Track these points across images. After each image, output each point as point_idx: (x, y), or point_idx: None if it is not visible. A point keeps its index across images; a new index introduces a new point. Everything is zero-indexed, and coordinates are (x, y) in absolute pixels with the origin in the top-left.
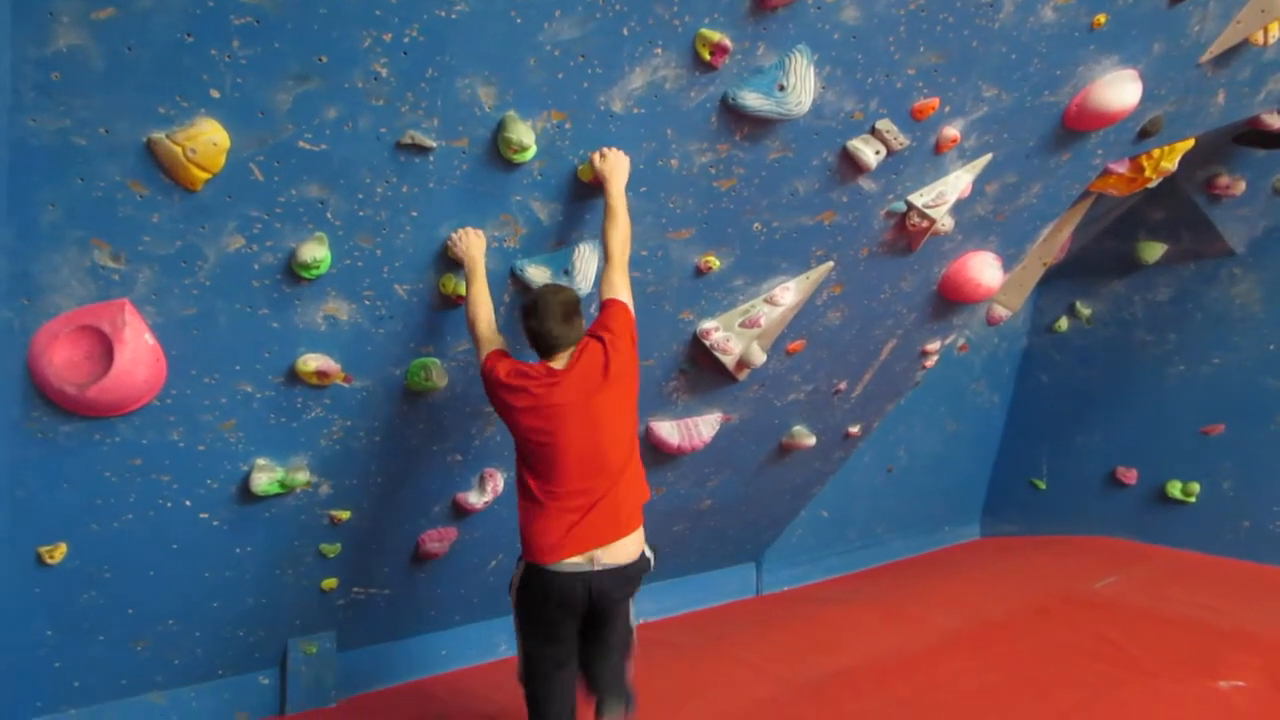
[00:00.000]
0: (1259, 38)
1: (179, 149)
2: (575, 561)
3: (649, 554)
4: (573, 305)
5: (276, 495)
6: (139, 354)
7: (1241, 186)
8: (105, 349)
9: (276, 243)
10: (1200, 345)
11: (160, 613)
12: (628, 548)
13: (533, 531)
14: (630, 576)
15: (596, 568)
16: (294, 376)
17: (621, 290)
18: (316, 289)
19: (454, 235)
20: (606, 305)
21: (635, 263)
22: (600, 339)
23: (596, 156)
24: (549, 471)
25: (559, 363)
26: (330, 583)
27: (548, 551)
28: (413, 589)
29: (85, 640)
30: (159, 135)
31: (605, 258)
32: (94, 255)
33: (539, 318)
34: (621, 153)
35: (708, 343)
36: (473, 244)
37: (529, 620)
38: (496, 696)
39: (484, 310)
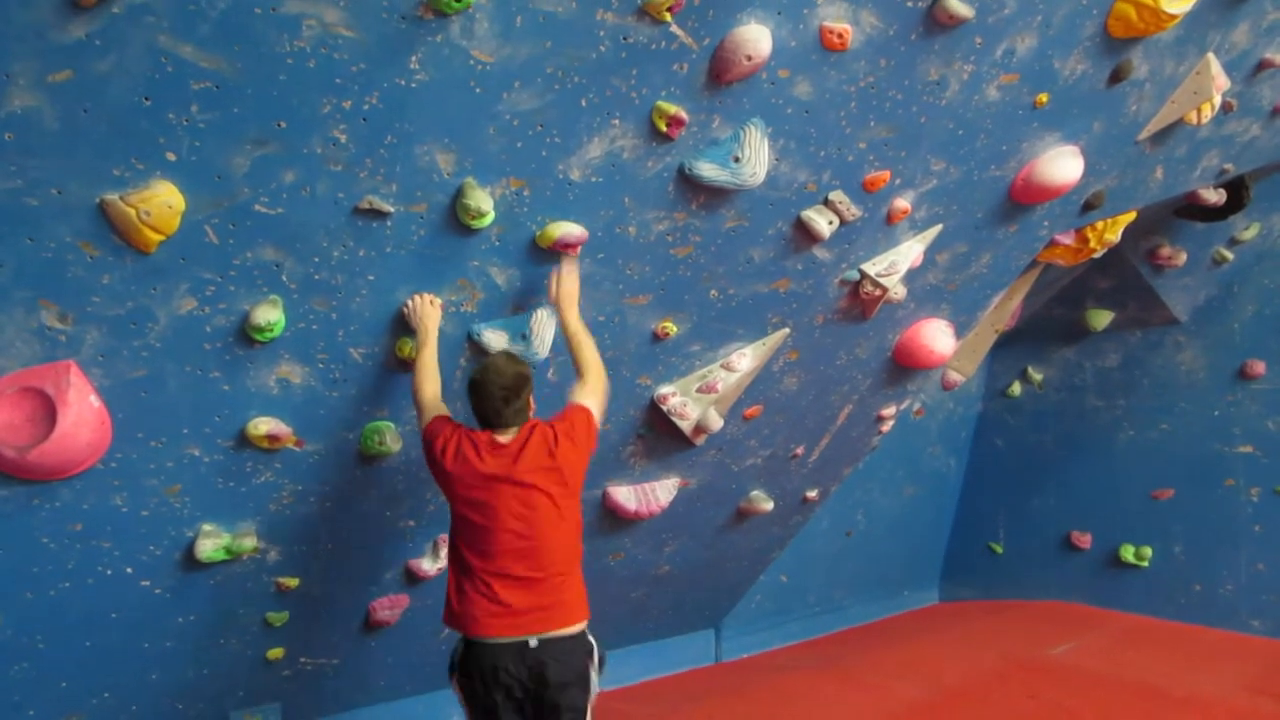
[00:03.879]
0: (1192, 117)
1: (132, 211)
2: (510, 638)
3: (594, 643)
4: (515, 386)
5: (222, 561)
6: (83, 417)
7: (1183, 257)
8: (48, 411)
9: (230, 305)
10: (1148, 410)
11: (95, 685)
12: (568, 629)
13: (466, 601)
14: (573, 650)
15: (533, 643)
16: (244, 440)
17: (589, 398)
18: (269, 352)
19: (410, 302)
20: (572, 408)
21: (593, 328)
22: (554, 428)
23: (553, 283)
24: (484, 548)
25: (504, 437)
26: (276, 652)
27: (479, 624)
28: (362, 658)
29: (14, 714)
30: (112, 197)
31: (578, 375)
32: (41, 316)
33: (478, 396)
34: (573, 278)
35: (665, 408)
36: (427, 313)
37: (468, 700)
38: None
39: (430, 379)
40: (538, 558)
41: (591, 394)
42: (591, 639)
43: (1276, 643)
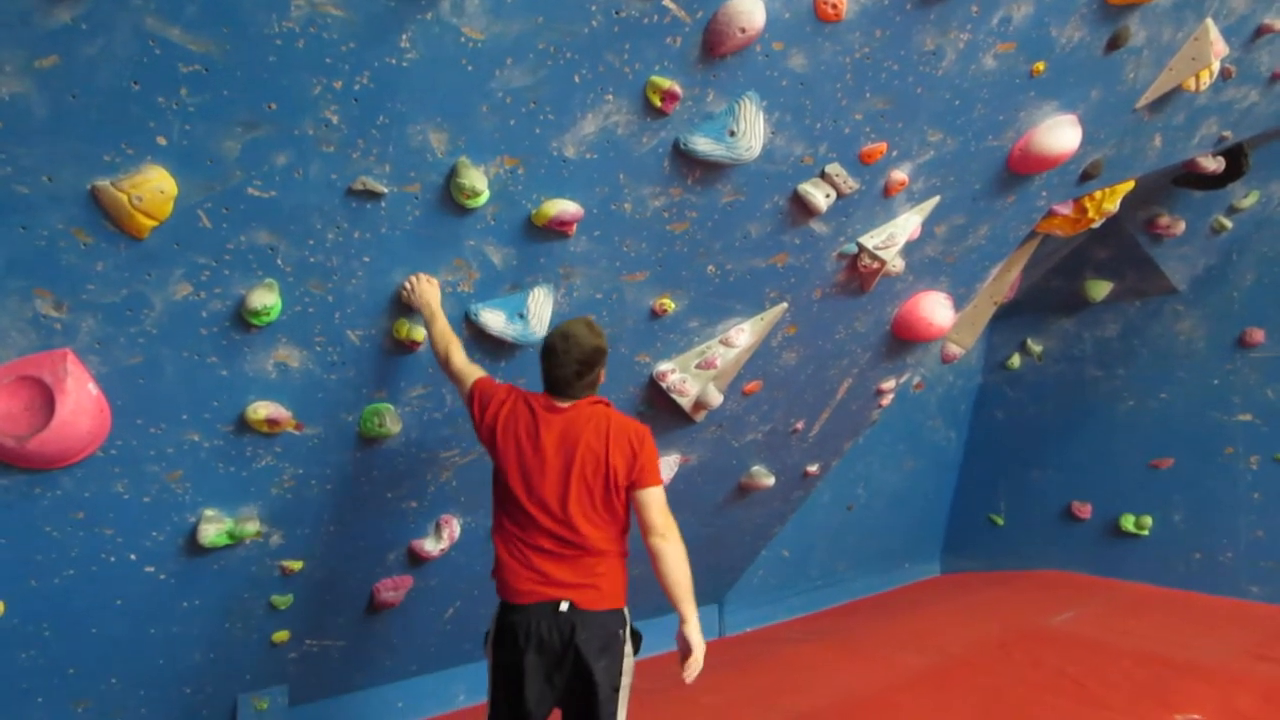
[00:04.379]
0: (1191, 84)
1: (124, 197)
2: (542, 602)
3: (628, 618)
4: (592, 360)
5: (225, 546)
6: (82, 405)
7: (1181, 226)
8: (46, 400)
9: (225, 290)
10: (1148, 380)
11: (102, 672)
12: (600, 609)
13: (503, 568)
14: (605, 622)
15: (564, 607)
16: (243, 425)
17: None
18: (266, 336)
19: (406, 283)
20: (650, 451)
21: (590, 305)
22: (636, 449)
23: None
24: (521, 518)
25: (564, 403)
26: (282, 635)
27: (513, 590)
28: (368, 640)
29: (23, 701)
30: (104, 183)
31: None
32: (35, 305)
33: (552, 362)
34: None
35: (664, 385)
36: (425, 290)
37: (496, 667)
38: None
39: (453, 345)
40: (571, 536)
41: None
42: (626, 614)
43: (1276, 608)
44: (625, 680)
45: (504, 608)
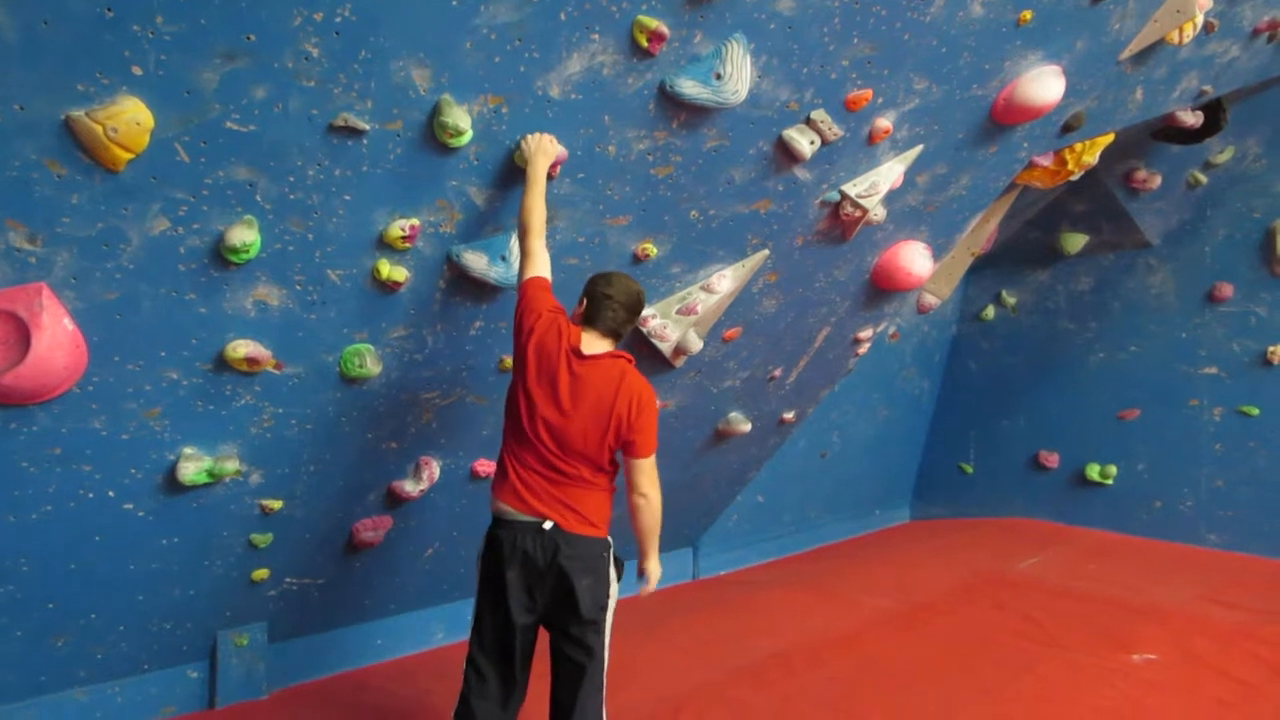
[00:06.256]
0: (1174, 37)
1: (99, 128)
2: (527, 517)
3: (611, 543)
4: (636, 308)
5: (205, 485)
6: (57, 339)
7: (1158, 180)
8: (22, 335)
9: (203, 226)
10: (1118, 333)
11: (82, 607)
12: (583, 533)
13: (498, 478)
14: (589, 544)
15: (547, 525)
16: (222, 363)
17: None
18: (245, 274)
19: (527, 139)
20: (651, 414)
21: (572, 249)
22: (640, 407)
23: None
24: (521, 436)
25: (593, 348)
26: (261, 573)
27: (501, 501)
28: (347, 579)
29: (1, 636)
30: (78, 113)
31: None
32: (9, 237)
33: (600, 305)
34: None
35: (645, 330)
36: (542, 147)
37: (483, 579)
38: (433, 685)
39: (537, 224)
40: (563, 465)
41: None
42: (610, 542)
43: (1233, 555)
44: (611, 602)
45: (493, 522)
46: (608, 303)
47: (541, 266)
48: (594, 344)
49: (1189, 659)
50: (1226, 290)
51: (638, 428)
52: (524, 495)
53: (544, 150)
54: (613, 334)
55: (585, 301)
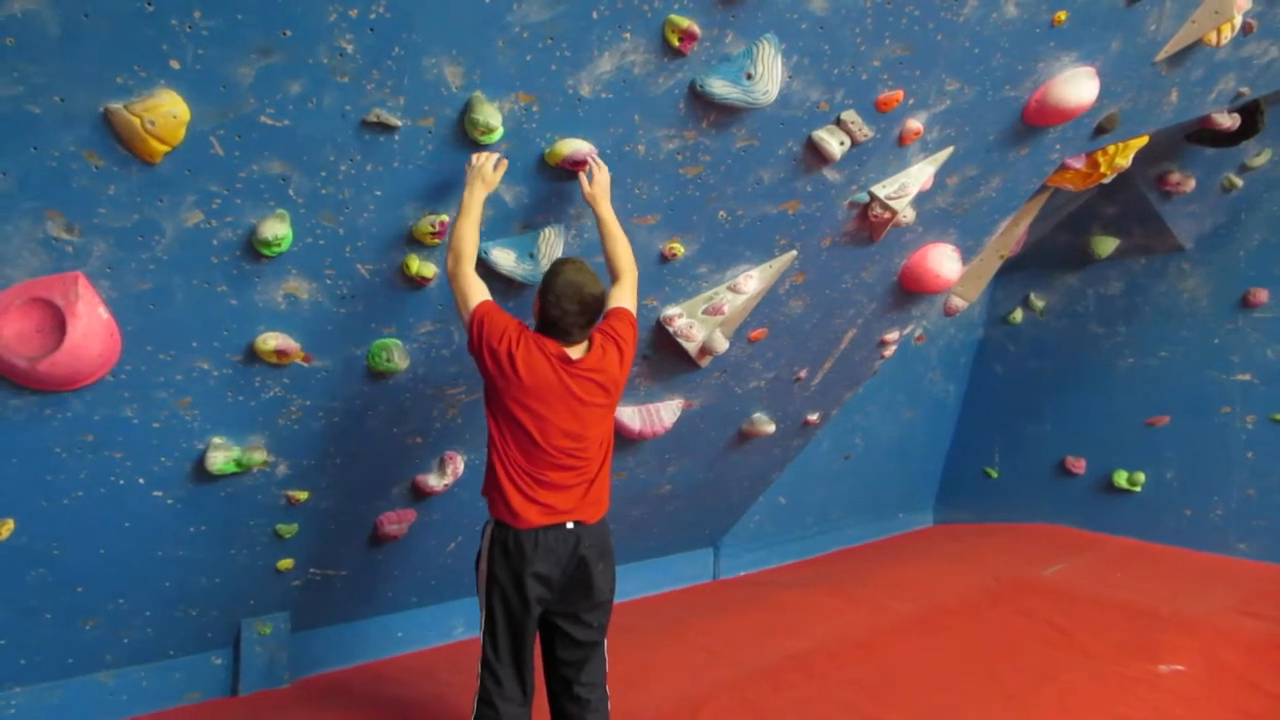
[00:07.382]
0: (1212, 38)
1: (137, 120)
2: (557, 523)
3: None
4: (598, 307)
5: (233, 474)
6: (92, 328)
7: (1191, 184)
8: (58, 322)
9: (236, 219)
10: (1148, 338)
11: (110, 591)
12: (599, 516)
13: (506, 494)
14: (601, 532)
15: (570, 525)
16: (252, 355)
17: (629, 300)
18: (277, 267)
19: (473, 160)
20: (622, 318)
21: (597, 248)
22: (618, 346)
23: (583, 180)
24: (529, 450)
25: (575, 352)
26: (286, 563)
27: (519, 517)
28: (370, 571)
29: (32, 618)
30: (116, 106)
31: (613, 277)
32: (47, 226)
33: (559, 309)
34: (605, 172)
35: (671, 329)
36: (481, 174)
37: (494, 583)
38: (452, 679)
39: (469, 252)
40: (579, 470)
41: (631, 295)
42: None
43: (1262, 565)
44: (614, 585)
45: (499, 526)
46: (563, 317)
47: (484, 289)
48: (575, 347)
49: (1217, 670)
50: (1261, 295)
51: (627, 355)
52: (542, 509)
53: (483, 178)
54: (583, 331)
55: (540, 306)
